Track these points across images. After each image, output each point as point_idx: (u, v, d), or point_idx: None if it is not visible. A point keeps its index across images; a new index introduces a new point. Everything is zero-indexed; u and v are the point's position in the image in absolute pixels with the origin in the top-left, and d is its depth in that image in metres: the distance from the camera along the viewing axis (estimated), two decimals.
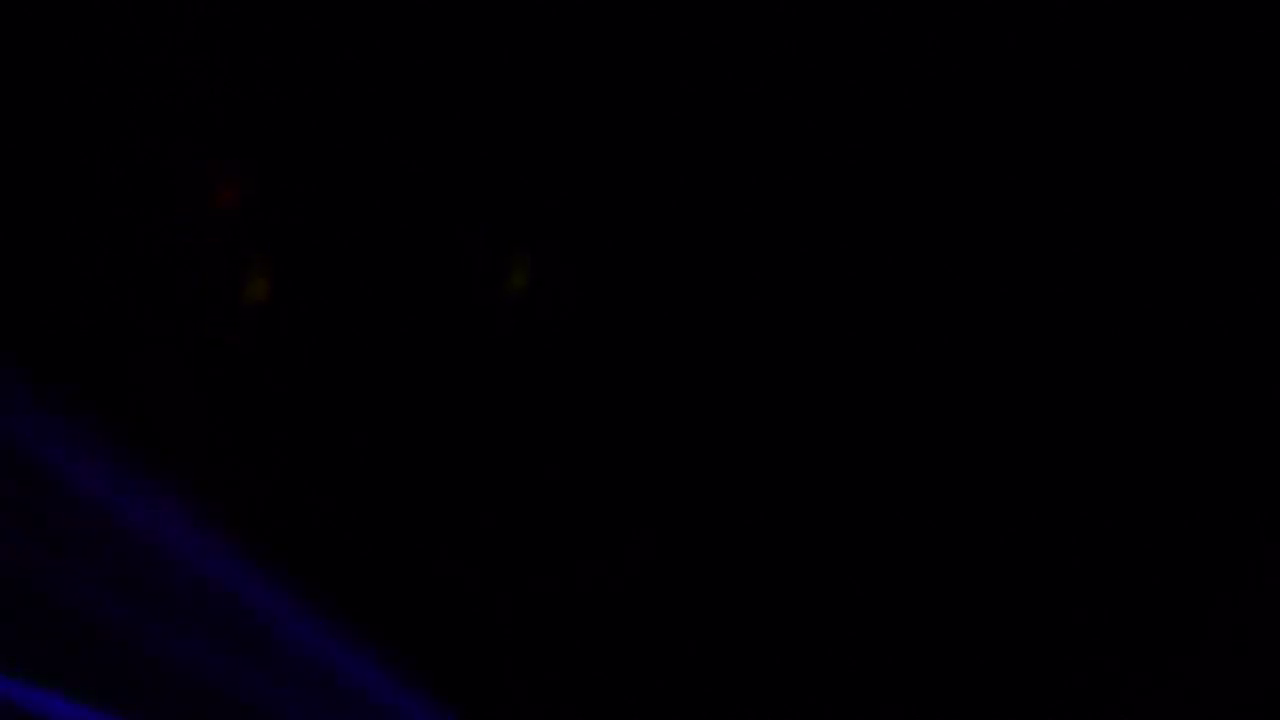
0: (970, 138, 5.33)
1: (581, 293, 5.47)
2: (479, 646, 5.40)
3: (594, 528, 5.44)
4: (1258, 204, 5.20)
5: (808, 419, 5.38)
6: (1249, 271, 5.20)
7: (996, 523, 5.27)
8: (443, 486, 5.42)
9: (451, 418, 5.44)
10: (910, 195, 5.38)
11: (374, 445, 5.48)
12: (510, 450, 5.46)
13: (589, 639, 5.37)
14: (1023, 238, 5.34)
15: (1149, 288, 5.26)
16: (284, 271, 5.51)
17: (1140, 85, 5.25)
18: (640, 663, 5.32)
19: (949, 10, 5.27)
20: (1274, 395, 5.08)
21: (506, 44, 5.42)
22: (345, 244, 5.49)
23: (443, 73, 5.46)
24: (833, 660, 5.24)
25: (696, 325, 5.47)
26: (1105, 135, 5.28)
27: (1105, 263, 5.29)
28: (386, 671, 5.24)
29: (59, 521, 4.85)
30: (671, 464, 5.42)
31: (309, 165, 5.47)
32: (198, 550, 5.07)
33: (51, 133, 5.28)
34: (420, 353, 5.48)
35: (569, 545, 5.42)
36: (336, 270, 5.47)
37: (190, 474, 5.11)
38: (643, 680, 5.29)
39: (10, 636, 4.74)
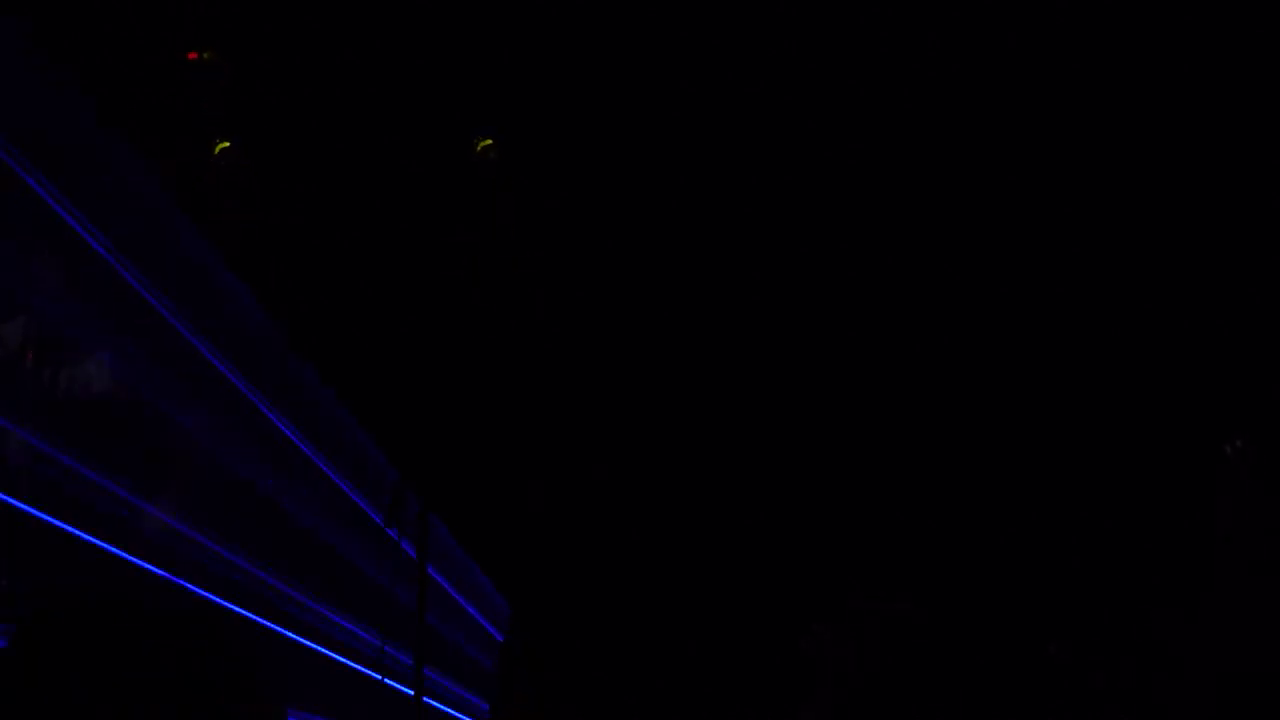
0: (970, 138, 5.36)
1: (582, 293, 5.49)
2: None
3: (594, 527, 5.44)
4: (1257, 204, 5.24)
5: (809, 416, 5.40)
6: (1247, 272, 5.24)
7: (996, 522, 5.29)
8: (441, 485, 5.42)
9: (450, 417, 5.45)
10: (910, 195, 5.39)
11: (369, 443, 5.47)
12: (509, 449, 5.47)
13: (588, 638, 5.37)
14: (1021, 239, 5.37)
15: (1147, 288, 5.29)
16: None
17: (1140, 85, 5.28)
18: (640, 662, 5.33)
19: (949, 10, 5.29)
20: (1274, 396, 5.11)
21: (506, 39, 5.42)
22: (347, 239, 5.48)
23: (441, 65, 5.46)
24: (832, 659, 5.25)
25: (695, 323, 5.48)
26: (1105, 135, 5.30)
27: (1103, 264, 5.32)
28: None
29: None
30: (672, 463, 5.43)
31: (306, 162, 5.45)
32: None
33: None
34: (420, 349, 5.48)
35: (568, 544, 5.43)
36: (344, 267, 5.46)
37: None
38: (643, 680, 5.30)
39: None
